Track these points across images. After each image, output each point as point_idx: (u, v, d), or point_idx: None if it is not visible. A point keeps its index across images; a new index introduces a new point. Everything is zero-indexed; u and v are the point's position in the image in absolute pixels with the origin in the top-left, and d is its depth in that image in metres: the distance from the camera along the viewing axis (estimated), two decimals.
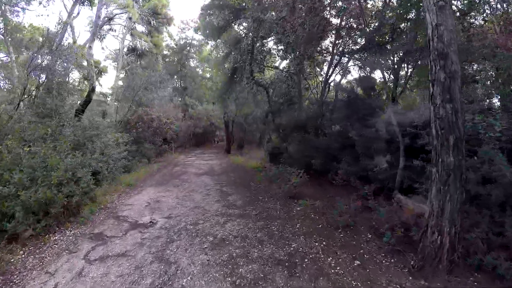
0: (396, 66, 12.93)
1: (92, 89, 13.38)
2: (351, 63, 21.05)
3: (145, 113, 14.17)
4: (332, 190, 8.52)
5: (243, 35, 12.87)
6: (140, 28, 24.67)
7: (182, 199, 7.77)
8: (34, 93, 11.38)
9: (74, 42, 18.45)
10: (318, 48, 13.50)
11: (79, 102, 12.88)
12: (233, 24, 13.65)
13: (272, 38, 17.17)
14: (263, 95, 19.29)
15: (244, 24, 14.90)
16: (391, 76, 15.78)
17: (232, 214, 6.31)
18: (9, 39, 15.06)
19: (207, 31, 13.66)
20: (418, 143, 7.25)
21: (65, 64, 11.83)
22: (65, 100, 11.02)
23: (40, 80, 11.71)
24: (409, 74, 12.56)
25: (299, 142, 10.07)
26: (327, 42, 19.92)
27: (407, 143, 7.14)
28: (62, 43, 15.27)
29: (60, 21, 12.59)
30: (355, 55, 19.89)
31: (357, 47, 20.52)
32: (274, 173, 9.11)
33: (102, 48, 30.06)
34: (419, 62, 10.82)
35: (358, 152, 8.71)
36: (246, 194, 8.04)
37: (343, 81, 20.50)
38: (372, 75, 22.71)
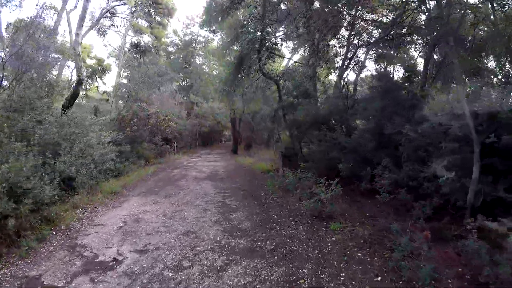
0: (425, 56, 10.56)
1: (79, 82, 11.32)
2: (365, 56, 18.59)
3: (140, 109, 12.06)
4: (369, 205, 6.19)
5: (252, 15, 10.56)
6: (142, 22, 22.68)
7: (171, 218, 5.55)
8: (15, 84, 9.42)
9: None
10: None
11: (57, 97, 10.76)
12: (239, 5, 11.39)
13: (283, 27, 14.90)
14: (272, 90, 17.03)
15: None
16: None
17: (236, 248, 4.05)
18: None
19: (211, 15, 11.45)
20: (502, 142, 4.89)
21: (43, 52, 9.76)
22: (40, 91, 8.94)
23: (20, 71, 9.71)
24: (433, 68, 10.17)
25: (319, 142, 7.76)
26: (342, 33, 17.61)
27: (489, 141, 4.75)
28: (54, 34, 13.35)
29: (41, 4, 10.51)
30: (374, 47, 17.44)
31: (373, 39, 18.08)
32: (290, 180, 6.82)
33: (105, 46, 28.14)
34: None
35: (404, 155, 6.36)
36: (255, 210, 5.76)
37: (357, 77, 18.15)
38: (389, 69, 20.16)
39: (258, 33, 11.09)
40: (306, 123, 8.46)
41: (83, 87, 29.91)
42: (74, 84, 11.60)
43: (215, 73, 28.02)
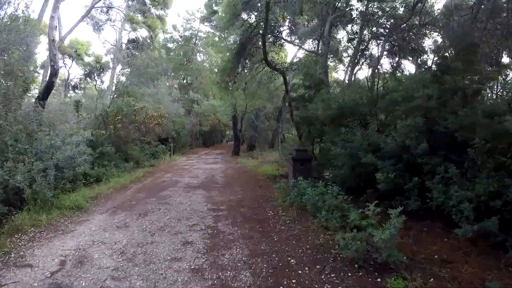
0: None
1: (54, 72, 9.33)
2: (376, 50, 16.64)
3: (126, 104, 10.07)
4: (429, 235, 4.10)
5: None
6: (138, 17, 20.75)
7: (130, 259, 3.51)
8: None
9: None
10: None
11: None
12: None
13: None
14: (276, 85, 14.98)
15: None
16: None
17: None
18: None
19: None
20: None
21: (5, 36, 7.77)
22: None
23: None
24: None
25: (345, 142, 5.67)
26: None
27: None
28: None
29: None
30: (393, 36, 15.46)
31: (387, 30, 16.21)
32: (308, 197, 4.72)
33: (102, 42, 26.37)
34: None
35: (476, 161, 4.25)
36: (261, 247, 3.69)
37: (374, 69, 16.09)
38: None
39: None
40: (327, 116, 6.36)
41: (82, 85, 28.13)
42: (48, 75, 9.62)
43: (216, 70, 26.03)
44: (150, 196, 6.58)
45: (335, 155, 5.63)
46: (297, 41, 15.63)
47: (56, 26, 10.02)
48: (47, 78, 9.63)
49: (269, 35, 9.15)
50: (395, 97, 5.85)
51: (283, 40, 10.39)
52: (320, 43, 13.17)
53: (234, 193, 6.81)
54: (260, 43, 10.08)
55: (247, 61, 10.24)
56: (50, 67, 9.52)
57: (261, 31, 9.51)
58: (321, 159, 8.08)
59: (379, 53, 15.84)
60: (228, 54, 9.86)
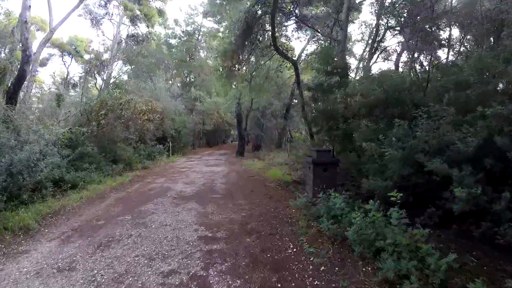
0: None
1: (26, 60, 7.69)
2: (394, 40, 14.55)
3: (111, 98, 8.36)
4: None
5: None
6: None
7: None
8: None
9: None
10: None
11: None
12: None
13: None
14: (284, 78, 13.20)
15: None
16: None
17: None
18: None
19: None
20: None
21: None
22: None
23: None
24: None
25: (395, 141, 3.88)
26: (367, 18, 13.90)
27: None
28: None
29: None
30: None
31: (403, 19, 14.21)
32: (356, 227, 2.92)
33: (103, 40, 24.94)
34: None
35: None
36: None
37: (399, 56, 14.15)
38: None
39: None
40: (367, 105, 4.55)
41: (82, 84, 26.66)
42: (20, 64, 7.94)
43: (221, 69, 24.30)
44: (126, 212, 4.86)
45: (386, 159, 3.84)
46: (308, 32, 13.89)
47: (29, 6, 8.35)
48: (19, 66, 7.97)
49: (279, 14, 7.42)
50: (461, 78, 4.03)
51: (296, 19, 8.61)
52: (334, 30, 11.40)
53: (237, 209, 5.05)
54: (268, 25, 8.36)
55: (253, 47, 8.53)
56: (22, 53, 7.85)
57: (269, 10, 7.80)
58: (346, 163, 6.29)
59: (400, 45, 13.99)
60: (229, 33, 8.10)
